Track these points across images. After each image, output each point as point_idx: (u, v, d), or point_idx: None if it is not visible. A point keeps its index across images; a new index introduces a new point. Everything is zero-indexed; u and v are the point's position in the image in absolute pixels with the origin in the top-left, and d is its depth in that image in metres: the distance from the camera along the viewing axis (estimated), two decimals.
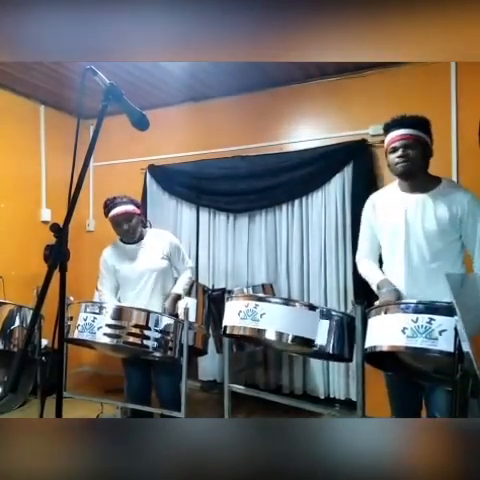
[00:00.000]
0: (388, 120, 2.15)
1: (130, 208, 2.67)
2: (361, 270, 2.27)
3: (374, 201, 2.22)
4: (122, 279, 2.73)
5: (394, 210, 2.11)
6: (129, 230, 2.66)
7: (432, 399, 2.05)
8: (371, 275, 2.19)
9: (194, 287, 3.01)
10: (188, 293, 2.82)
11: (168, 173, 4.07)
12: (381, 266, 2.22)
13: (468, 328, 1.03)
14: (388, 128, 2.13)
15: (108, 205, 2.68)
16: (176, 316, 2.53)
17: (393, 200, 2.13)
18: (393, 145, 2.07)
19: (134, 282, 2.70)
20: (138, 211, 2.74)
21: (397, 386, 2.19)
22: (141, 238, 2.74)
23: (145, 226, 2.83)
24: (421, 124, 2.12)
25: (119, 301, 2.73)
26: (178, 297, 2.69)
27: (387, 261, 2.17)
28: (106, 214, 2.69)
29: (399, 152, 2.05)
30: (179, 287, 2.75)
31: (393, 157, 2.07)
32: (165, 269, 2.73)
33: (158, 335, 2.32)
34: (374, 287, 2.14)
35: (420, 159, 2.05)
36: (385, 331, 1.80)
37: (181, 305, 2.60)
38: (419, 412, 2.17)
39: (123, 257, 2.73)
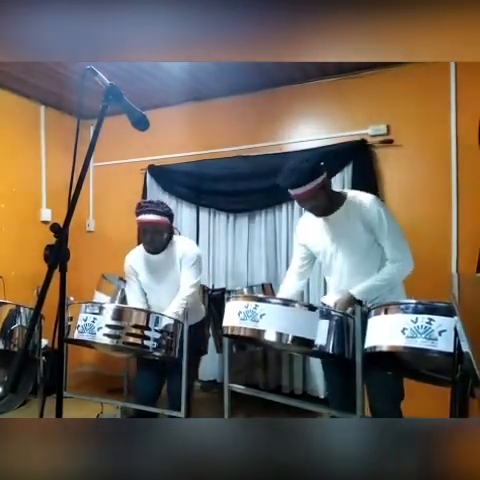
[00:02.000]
0: (281, 175, 2.19)
1: (156, 219, 2.57)
2: (283, 286, 2.52)
3: (304, 224, 2.44)
4: (145, 289, 2.74)
5: (316, 233, 2.32)
6: (152, 240, 2.61)
7: (371, 384, 2.10)
8: (283, 289, 2.48)
9: None
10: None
11: (168, 173, 4.07)
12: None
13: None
14: (281, 185, 2.20)
15: (141, 207, 2.60)
16: None
17: (314, 224, 2.32)
18: (297, 201, 2.26)
19: (155, 292, 2.70)
20: (166, 223, 2.62)
21: (330, 375, 2.44)
22: (163, 249, 2.66)
23: (171, 235, 2.70)
24: (309, 173, 2.12)
25: (147, 303, 2.72)
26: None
27: (327, 276, 2.43)
28: (136, 215, 2.61)
29: (307, 207, 2.25)
30: (173, 310, 2.51)
31: (302, 207, 2.29)
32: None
33: (158, 335, 2.32)
34: None
35: (324, 202, 2.19)
36: (385, 331, 1.80)
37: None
38: (347, 396, 2.22)
39: (144, 266, 2.70)
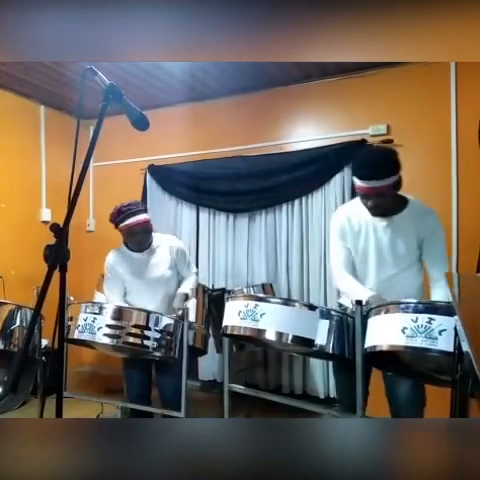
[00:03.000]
0: (357, 163, 2.07)
1: (146, 218, 2.60)
2: (340, 284, 2.26)
3: (345, 214, 2.23)
4: (129, 287, 2.71)
5: (363, 229, 2.16)
6: (143, 240, 2.62)
7: (394, 390, 2.11)
8: (356, 292, 2.13)
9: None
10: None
11: (168, 173, 4.07)
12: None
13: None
14: (354, 173, 2.06)
15: (124, 212, 2.55)
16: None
17: (362, 218, 2.16)
18: (362, 193, 2.05)
19: (142, 292, 2.68)
20: (150, 220, 2.67)
21: (344, 375, 2.27)
22: (148, 246, 2.68)
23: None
24: (386, 169, 1.98)
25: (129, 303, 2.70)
26: (186, 296, 2.66)
27: (360, 276, 2.23)
28: (119, 221, 2.56)
29: (368, 202, 2.04)
30: (186, 287, 2.71)
31: (364, 202, 2.07)
32: (172, 278, 2.72)
33: (158, 335, 2.32)
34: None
35: (390, 202, 2.04)
36: (385, 331, 1.80)
37: (190, 304, 2.60)
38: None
39: (130, 266, 2.68)
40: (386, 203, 2.04)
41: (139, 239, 2.62)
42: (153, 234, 2.75)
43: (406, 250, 2.10)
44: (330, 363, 3.48)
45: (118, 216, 2.58)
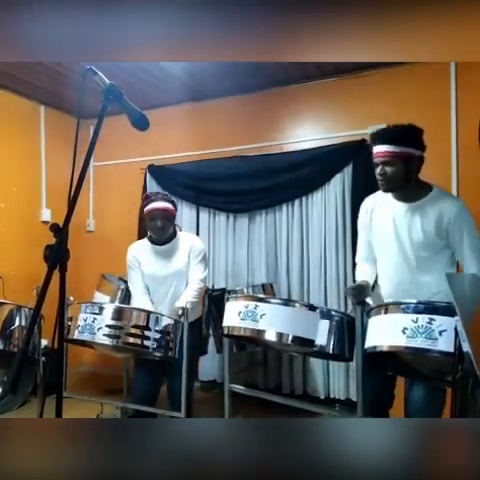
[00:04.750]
0: (375, 130, 2.08)
1: (167, 205, 2.67)
2: (356, 275, 2.31)
3: (368, 205, 2.22)
4: (147, 281, 2.75)
5: (384, 217, 2.12)
6: (163, 227, 2.65)
7: (410, 394, 2.08)
8: (357, 277, 2.22)
9: None
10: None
11: (168, 173, 4.07)
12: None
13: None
14: (372, 141, 2.07)
15: (149, 197, 2.69)
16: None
17: (385, 206, 2.13)
18: (374, 160, 2.04)
19: (158, 285, 2.71)
20: (174, 211, 2.73)
21: (371, 378, 2.11)
22: (169, 241, 2.72)
23: (175, 228, 2.80)
24: (404, 137, 2.00)
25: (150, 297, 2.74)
26: (182, 310, 2.47)
27: (380, 267, 2.21)
28: (144, 206, 2.68)
29: (378, 169, 2.03)
30: (184, 300, 2.56)
31: (376, 172, 2.05)
32: (185, 275, 2.73)
33: (158, 335, 2.31)
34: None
35: (401, 175, 1.99)
36: (385, 331, 1.80)
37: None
38: (390, 405, 2.21)
39: (149, 256, 2.73)
40: (395, 176, 1.99)
41: (158, 225, 2.64)
42: (179, 232, 2.79)
43: (424, 238, 2.00)
44: (331, 364, 3.49)
45: (144, 201, 2.70)
